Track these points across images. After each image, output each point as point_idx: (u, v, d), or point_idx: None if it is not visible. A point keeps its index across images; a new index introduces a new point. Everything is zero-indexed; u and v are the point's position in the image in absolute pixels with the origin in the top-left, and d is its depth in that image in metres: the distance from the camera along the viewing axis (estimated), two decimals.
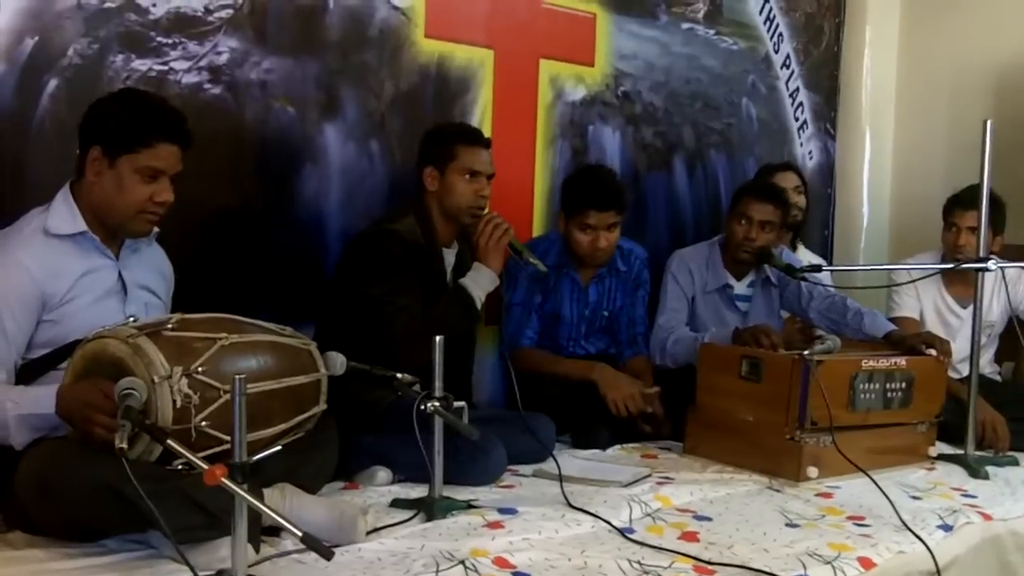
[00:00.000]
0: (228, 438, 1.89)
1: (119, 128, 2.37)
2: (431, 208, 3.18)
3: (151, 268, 2.60)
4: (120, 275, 2.47)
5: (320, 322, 3.14)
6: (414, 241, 3.08)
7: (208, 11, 3.03)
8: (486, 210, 3.21)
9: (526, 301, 3.58)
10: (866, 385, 3.08)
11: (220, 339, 2.23)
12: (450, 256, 3.24)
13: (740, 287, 3.80)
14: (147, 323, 2.24)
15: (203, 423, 2.14)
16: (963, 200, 3.73)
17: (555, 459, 2.92)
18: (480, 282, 3.11)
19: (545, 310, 3.63)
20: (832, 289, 3.81)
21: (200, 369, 2.15)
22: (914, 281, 3.77)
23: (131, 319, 2.26)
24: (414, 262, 3.06)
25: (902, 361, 3.18)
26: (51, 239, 2.36)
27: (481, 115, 3.75)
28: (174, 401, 2.11)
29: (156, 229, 2.58)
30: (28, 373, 2.33)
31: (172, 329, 2.21)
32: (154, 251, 2.63)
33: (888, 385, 3.13)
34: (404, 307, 2.97)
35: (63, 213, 2.39)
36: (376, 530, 2.33)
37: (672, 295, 3.73)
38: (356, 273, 3.05)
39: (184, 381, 2.13)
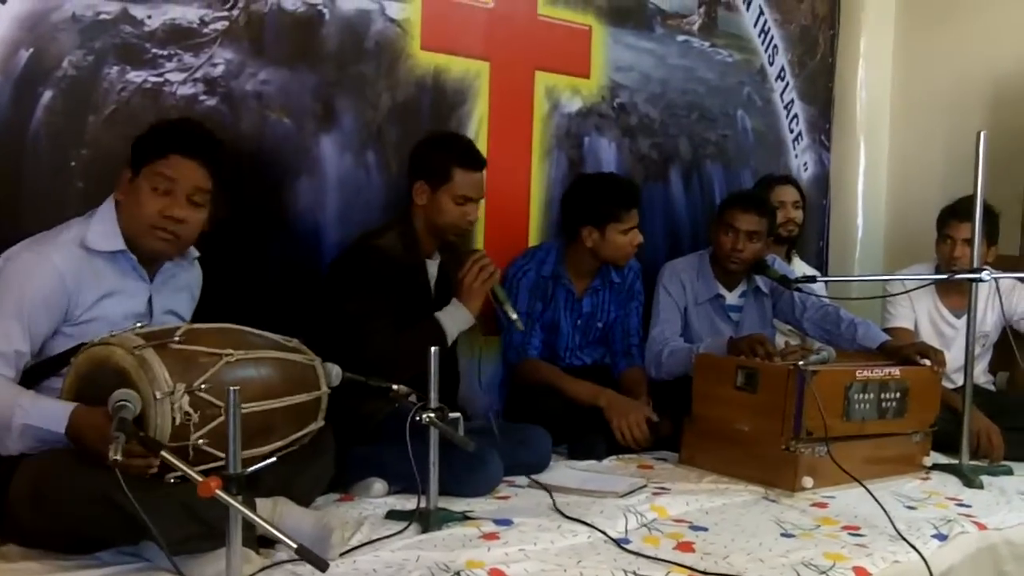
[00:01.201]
0: (224, 456, 1.88)
1: (143, 143, 2.41)
2: (417, 221, 3.16)
3: (182, 290, 2.61)
4: (150, 299, 2.48)
5: (309, 334, 3.13)
6: (397, 257, 3.05)
7: (203, 23, 3.04)
8: (480, 251, 3.16)
9: (529, 310, 3.56)
10: (860, 395, 3.08)
11: (226, 355, 2.23)
12: (433, 268, 3.22)
13: (732, 297, 3.81)
14: (154, 331, 2.24)
15: (200, 441, 2.14)
16: (957, 212, 3.74)
17: (541, 484, 2.91)
18: (456, 319, 3.07)
19: (544, 320, 3.63)
20: (826, 300, 3.81)
21: (203, 387, 2.15)
22: (908, 292, 3.77)
23: (138, 325, 2.26)
24: (396, 278, 3.03)
25: (896, 371, 3.18)
26: (87, 253, 2.36)
27: (477, 127, 3.76)
28: (174, 418, 2.11)
29: (196, 252, 2.62)
30: (30, 377, 2.32)
31: (179, 341, 2.21)
32: (191, 273, 2.65)
33: (883, 395, 3.13)
34: (379, 329, 2.94)
35: (104, 228, 2.39)
36: (364, 545, 2.32)
37: (665, 307, 3.74)
38: (337, 289, 3.03)
39: (186, 399, 2.12)
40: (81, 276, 2.34)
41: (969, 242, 3.41)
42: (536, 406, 3.36)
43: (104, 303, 2.38)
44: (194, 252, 2.64)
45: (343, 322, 2.96)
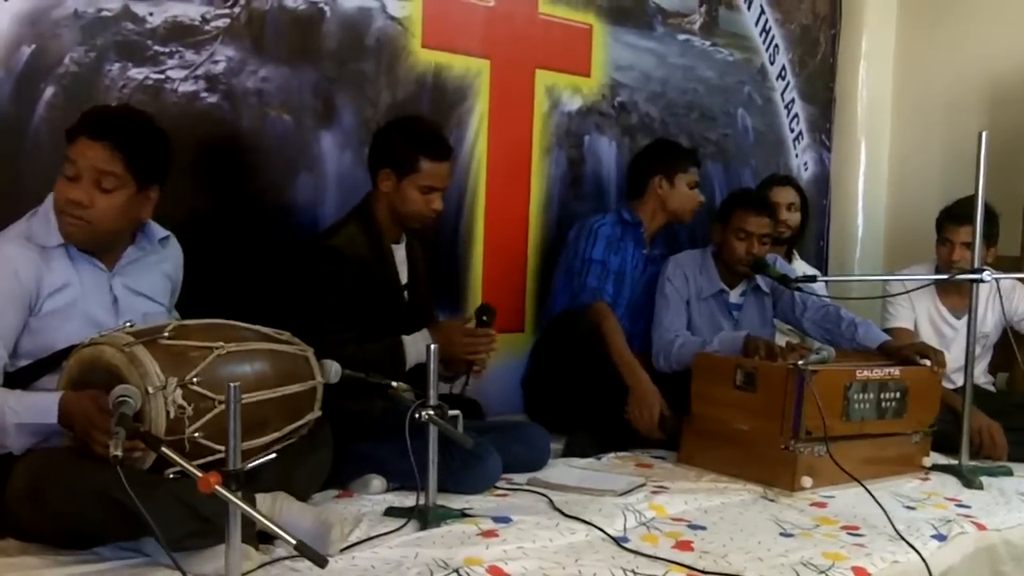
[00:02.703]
0: (221, 448, 1.89)
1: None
2: (380, 209, 3.05)
3: (154, 273, 2.55)
4: (111, 287, 2.44)
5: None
6: (355, 254, 2.96)
7: (205, 20, 3.04)
8: (495, 337, 3.04)
9: (606, 259, 3.68)
10: (860, 395, 3.07)
11: (217, 348, 2.24)
12: (400, 252, 3.13)
13: (733, 295, 3.80)
14: (143, 330, 2.24)
15: (196, 434, 2.14)
16: (956, 215, 3.72)
17: (539, 491, 2.90)
18: (421, 351, 2.86)
19: (612, 266, 3.73)
20: (826, 299, 3.81)
21: (195, 380, 2.16)
22: (908, 292, 3.77)
23: (128, 324, 2.26)
24: (356, 275, 2.94)
25: (896, 371, 3.18)
26: (36, 247, 2.33)
27: (477, 125, 3.76)
28: (167, 412, 2.11)
29: (162, 232, 2.55)
30: (17, 382, 2.30)
31: (168, 337, 2.21)
32: (162, 254, 2.57)
33: (882, 395, 3.13)
34: (332, 331, 2.86)
35: (44, 223, 2.35)
36: (362, 541, 2.32)
37: (672, 298, 3.72)
38: (293, 292, 2.96)
39: (179, 392, 2.12)
40: (35, 268, 2.30)
41: (968, 245, 3.41)
42: (555, 383, 3.48)
43: (64, 293, 2.34)
44: (159, 232, 2.55)
45: (300, 326, 2.79)
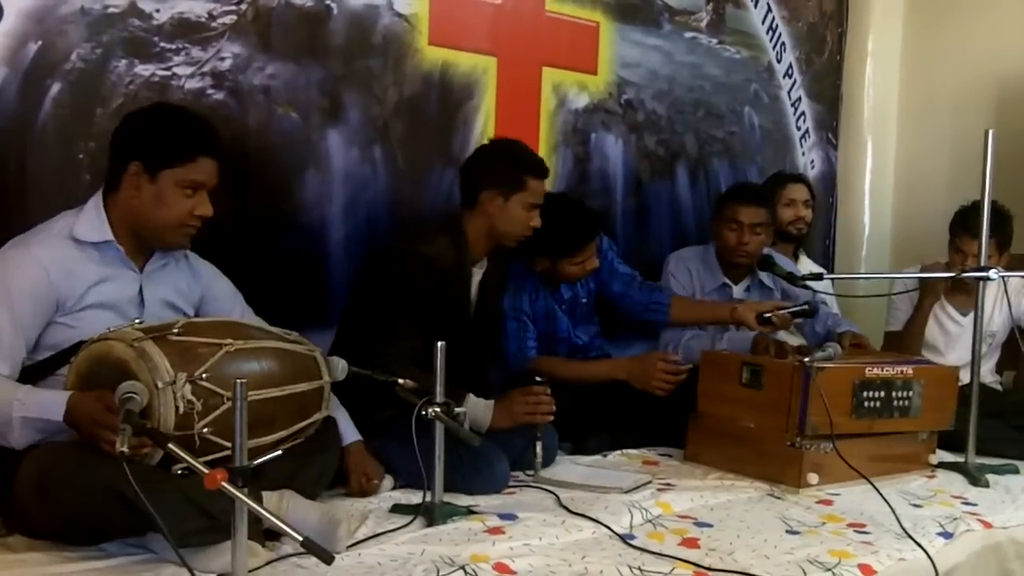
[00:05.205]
0: (229, 445, 1.89)
1: (162, 143, 2.39)
2: (472, 228, 3.09)
3: (177, 283, 2.58)
4: (140, 288, 2.46)
5: (342, 326, 3.12)
6: (443, 266, 2.99)
7: (211, 17, 3.04)
8: (552, 403, 2.99)
9: (518, 309, 3.49)
10: (870, 393, 3.06)
11: (225, 345, 2.24)
12: (477, 274, 3.16)
13: (737, 291, 3.81)
14: (153, 326, 2.25)
15: (205, 430, 2.14)
16: (969, 227, 3.58)
17: (546, 488, 2.90)
18: (475, 415, 2.87)
19: (537, 310, 3.55)
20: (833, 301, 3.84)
21: (204, 375, 2.16)
22: (911, 291, 3.76)
23: (137, 321, 2.26)
24: (438, 287, 2.96)
25: (908, 369, 3.16)
26: (75, 244, 2.36)
27: (484, 122, 3.76)
28: (177, 407, 2.11)
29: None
30: (32, 375, 2.31)
31: (178, 334, 2.21)
32: (182, 266, 2.60)
33: (893, 393, 3.10)
34: (404, 336, 2.88)
35: (92, 221, 2.39)
36: (369, 538, 2.32)
37: (677, 292, 3.72)
38: (374, 286, 2.99)
39: (188, 387, 2.13)
40: (68, 267, 2.33)
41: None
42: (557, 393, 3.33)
43: (98, 289, 2.37)
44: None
45: (371, 320, 2.90)
